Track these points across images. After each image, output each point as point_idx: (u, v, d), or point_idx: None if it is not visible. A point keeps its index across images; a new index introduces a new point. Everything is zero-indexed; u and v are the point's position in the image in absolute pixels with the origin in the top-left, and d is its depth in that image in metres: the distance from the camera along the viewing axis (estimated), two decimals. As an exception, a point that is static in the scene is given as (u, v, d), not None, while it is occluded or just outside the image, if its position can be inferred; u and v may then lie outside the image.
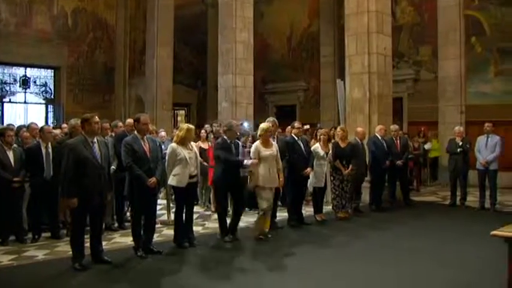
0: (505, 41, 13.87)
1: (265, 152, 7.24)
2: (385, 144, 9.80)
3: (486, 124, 10.04)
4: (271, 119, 7.98)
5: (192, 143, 7.20)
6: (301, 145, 8.23)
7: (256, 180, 7.17)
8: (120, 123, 8.68)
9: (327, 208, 9.33)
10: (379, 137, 9.80)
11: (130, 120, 7.89)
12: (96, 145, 5.81)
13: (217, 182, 7.41)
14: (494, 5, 14.02)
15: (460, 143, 10.17)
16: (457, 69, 13.85)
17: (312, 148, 8.65)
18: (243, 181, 7.34)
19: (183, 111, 20.69)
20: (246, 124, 10.87)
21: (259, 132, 7.41)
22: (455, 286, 5.23)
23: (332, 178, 8.95)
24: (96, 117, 5.89)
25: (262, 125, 7.46)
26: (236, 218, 7.33)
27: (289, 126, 8.94)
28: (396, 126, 10.70)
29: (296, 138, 8.27)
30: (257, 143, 7.38)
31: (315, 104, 17.28)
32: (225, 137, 7.24)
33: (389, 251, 6.69)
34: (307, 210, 9.11)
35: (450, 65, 13.90)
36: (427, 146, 13.62)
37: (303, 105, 18.70)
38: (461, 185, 10.31)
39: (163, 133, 11.10)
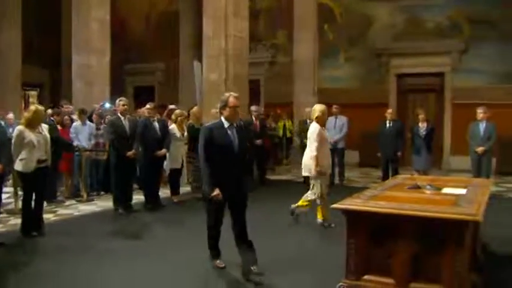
0: (353, 29, 14.87)
1: (325, 134, 6.90)
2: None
3: (334, 106, 10.72)
4: (123, 99, 7.80)
5: (43, 125, 6.78)
6: (156, 126, 8.16)
7: (316, 166, 6.64)
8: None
9: (187, 189, 9.42)
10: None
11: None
12: None
13: (207, 193, 4.86)
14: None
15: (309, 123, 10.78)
16: (310, 54, 14.49)
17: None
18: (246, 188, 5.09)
19: (35, 92, 19.39)
20: (107, 105, 10.47)
21: (316, 114, 6.82)
22: (304, 250, 5.55)
23: (192, 160, 9.02)
24: None
25: (320, 107, 6.95)
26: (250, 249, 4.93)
27: (144, 108, 8.84)
28: (256, 107, 11.02)
29: (151, 120, 8.18)
30: (317, 125, 6.76)
31: (174, 85, 17.12)
32: (222, 118, 4.96)
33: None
34: (165, 192, 9.10)
35: (304, 50, 14.48)
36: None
37: (161, 86, 18.49)
38: (312, 164, 10.91)
39: (10, 115, 10.43)
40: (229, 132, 4.85)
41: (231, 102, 4.86)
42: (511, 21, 12.83)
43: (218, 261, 5.11)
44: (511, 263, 5.48)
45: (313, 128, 6.78)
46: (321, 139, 6.73)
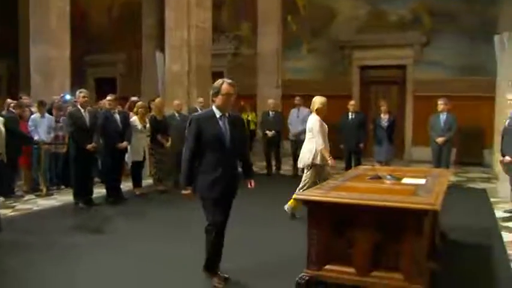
0: (316, 21, 14.92)
1: (325, 126, 6.73)
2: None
3: (296, 98, 10.75)
4: (83, 90, 7.67)
5: (-1, 118, 6.59)
6: (117, 118, 8.03)
7: (316, 157, 6.55)
8: None
9: (149, 181, 9.32)
10: (199, 110, 9.94)
11: None
12: None
13: (202, 190, 4.36)
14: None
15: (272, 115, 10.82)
16: (274, 46, 14.39)
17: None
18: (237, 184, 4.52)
19: (-8, 85, 18.84)
20: (68, 97, 10.23)
21: (316, 106, 6.66)
22: (270, 242, 5.61)
23: (153, 152, 8.97)
24: None
25: (320, 99, 6.76)
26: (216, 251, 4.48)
27: (105, 100, 8.68)
28: None
29: (112, 112, 8.05)
30: (318, 117, 6.63)
31: (136, 76, 16.85)
32: (213, 107, 4.40)
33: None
34: (127, 185, 8.96)
35: (268, 43, 14.34)
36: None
37: (123, 78, 18.17)
38: (275, 156, 10.96)
39: (-36, 108, 10.09)
40: (220, 122, 4.31)
41: (224, 89, 4.29)
42: (472, 13, 13.05)
43: (218, 277, 4.44)
44: (469, 251, 5.59)
45: (314, 120, 6.68)
46: (323, 131, 6.68)
